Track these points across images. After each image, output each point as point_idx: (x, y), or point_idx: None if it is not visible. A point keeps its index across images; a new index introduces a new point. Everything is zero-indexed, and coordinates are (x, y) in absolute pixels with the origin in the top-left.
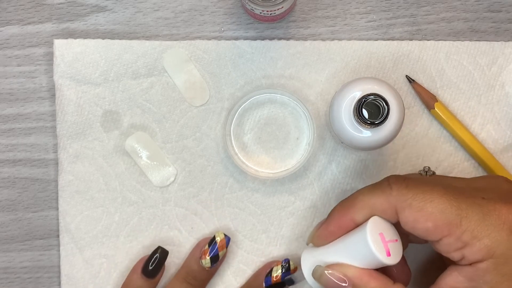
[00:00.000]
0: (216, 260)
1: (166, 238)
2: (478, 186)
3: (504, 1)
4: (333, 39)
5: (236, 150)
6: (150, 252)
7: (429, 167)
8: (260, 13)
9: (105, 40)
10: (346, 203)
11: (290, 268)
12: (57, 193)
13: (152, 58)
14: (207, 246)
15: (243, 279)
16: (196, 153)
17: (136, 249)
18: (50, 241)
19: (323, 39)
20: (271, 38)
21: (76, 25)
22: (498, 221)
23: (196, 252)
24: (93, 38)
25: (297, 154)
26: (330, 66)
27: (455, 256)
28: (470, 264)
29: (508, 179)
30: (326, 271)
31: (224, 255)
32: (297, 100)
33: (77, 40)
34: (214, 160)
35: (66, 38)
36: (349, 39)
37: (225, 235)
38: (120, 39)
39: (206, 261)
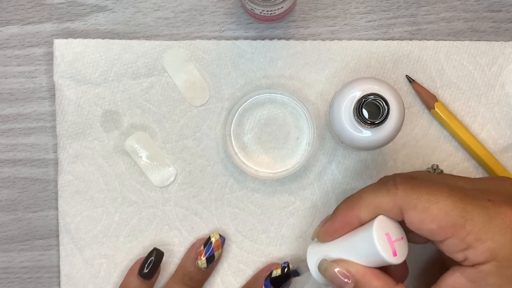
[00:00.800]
0: (211, 260)
1: (166, 238)
2: (484, 188)
3: (504, 1)
4: (333, 39)
5: (236, 150)
6: (147, 253)
7: (437, 165)
8: (260, 13)
9: (105, 40)
10: (351, 201)
11: (289, 270)
12: (57, 193)
13: (152, 58)
14: (202, 247)
15: (243, 279)
16: (196, 153)
17: (136, 249)
18: (50, 241)
19: (323, 39)
20: (271, 38)
21: (76, 25)
22: (503, 225)
23: (192, 253)
24: (93, 38)
25: (297, 154)
26: (330, 66)
27: (458, 257)
28: (473, 266)
29: None
30: (331, 266)
31: (220, 256)
32: (297, 100)
33: (77, 40)
34: (214, 160)
35: (66, 38)
36: (349, 39)
37: (220, 236)
38: (120, 39)
39: (202, 261)
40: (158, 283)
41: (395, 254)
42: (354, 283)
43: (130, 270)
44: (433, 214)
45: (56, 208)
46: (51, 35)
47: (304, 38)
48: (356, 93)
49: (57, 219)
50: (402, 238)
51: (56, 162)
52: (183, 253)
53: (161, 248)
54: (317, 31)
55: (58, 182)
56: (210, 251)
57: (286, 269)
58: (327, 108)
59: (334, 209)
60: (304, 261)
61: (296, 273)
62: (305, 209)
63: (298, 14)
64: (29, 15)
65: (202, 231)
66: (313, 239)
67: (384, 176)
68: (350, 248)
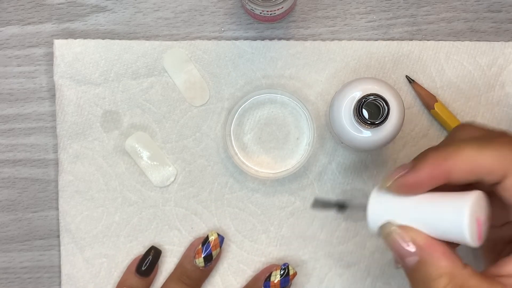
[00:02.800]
0: (210, 259)
1: (166, 238)
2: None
3: (504, 1)
4: (333, 39)
5: (236, 150)
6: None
7: None
8: (260, 13)
9: (105, 40)
10: (444, 151)
11: (289, 273)
12: (57, 193)
13: (152, 58)
14: (200, 246)
15: (243, 279)
16: (196, 153)
17: (136, 249)
18: (50, 241)
19: (323, 39)
20: (271, 38)
21: (76, 25)
22: None
23: (190, 252)
24: (93, 39)
25: (297, 154)
26: (330, 66)
27: None
28: None
29: None
30: (397, 233)
31: (219, 255)
32: (297, 100)
33: (77, 40)
34: (214, 160)
35: (66, 38)
36: (349, 39)
37: (219, 235)
38: (120, 39)
39: (200, 260)
40: (157, 281)
41: (480, 238)
42: (420, 257)
43: (128, 268)
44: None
45: (56, 208)
46: (51, 36)
47: (304, 38)
48: (356, 93)
49: (57, 219)
50: (488, 222)
51: (56, 163)
52: (183, 252)
53: (161, 248)
54: (317, 31)
55: (58, 182)
56: (208, 250)
57: (283, 273)
58: (327, 108)
59: (415, 156)
60: (360, 203)
61: (343, 206)
62: (305, 209)
63: (298, 14)
64: (29, 15)
65: (202, 231)
66: (382, 188)
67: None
68: (428, 217)
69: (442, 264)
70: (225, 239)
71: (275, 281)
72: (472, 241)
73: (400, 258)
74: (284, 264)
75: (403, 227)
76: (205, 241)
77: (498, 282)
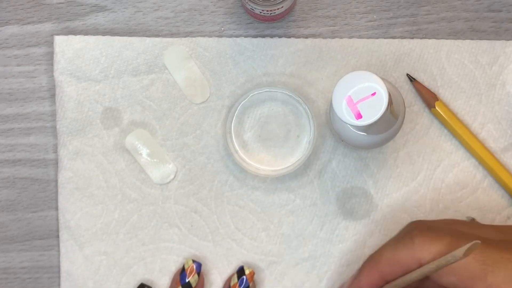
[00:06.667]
0: (189, 287)
1: (166, 235)
2: (507, 239)
3: (504, 1)
4: (333, 38)
5: (237, 147)
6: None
7: (473, 218)
8: (260, 12)
9: (105, 36)
10: (373, 259)
11: (244, 273)
12: (56, 193)
13: (152, 55)
14: (178, 276)
15: None
16: (196, 151)
17: (135, 246)
18: (50, 241)
19: (323, 38)
20: (271, 37)
21: (75, 24)
22: None
23: (172, 284)
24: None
25: (298, 152)
26: (331, 64)
27: None
28: None
29: None
30: None
31: (199, 282)
32: (298, 98)
33: (78, 36)
34: (214, 158)
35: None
36: (350, 38)
37: (194, 261)
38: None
39: None
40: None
41: None
42: None
43: None
44: (452, 267)
45: (56, 208)
46: (51, 35)
47: (305, 37)
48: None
49: (57, 219)
50: None
51: (55, 162)
52: (182, 250)
53: (161, 246)
54: (317, 31)
55: (58, 179)
56: (184, 279)
57: (238, 275)
58: (328, 106)
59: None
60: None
61: None
62: (305, 207)
63: (298, 14)
64: (28, 14)
65: (201, 229)
66: None
67: (404, 227)
68: None
69: None
70: (224, 238)
71: (231, 284)
72: None
73: None
74: (239, 267)
75: None
76: (182, 270)
77: None
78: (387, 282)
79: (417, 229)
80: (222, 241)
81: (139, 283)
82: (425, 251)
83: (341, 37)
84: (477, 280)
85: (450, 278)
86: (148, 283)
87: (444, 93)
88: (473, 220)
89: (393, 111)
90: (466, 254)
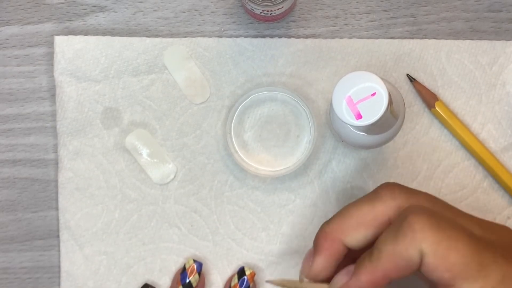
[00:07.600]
0: (190, 287)
1: (166, 235)
2: (496, 239)
3: (504, 1)
4: (333, 38)
5: (237, 148)
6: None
7: None
8: (260, 13)
9: (105, 37)
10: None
11: (245, 273)
12: (56, 193)
13: (152, 55)
14: (179, 276)
15: None
16: (196, 151)
17: (135, 246)
18: (50, 241)
19: (323, 39)
20: (271, 37)
21: (75, 25)
22: None
23: (173, 283)
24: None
25: (298, 152)
26: (331, 65)
27: None
28: None
29: None
30: None
31: (200, 281)
32: (298, 98)
33: (78, 36)
34: (214, 158)
35: (67, 35)
36: (350, 39)
37: (195, 261)
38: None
39: None
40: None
41: None
42: None
43: None
44: (450, 263)
45: (56, 209)
46: (51, 35)
47: (305, 37)
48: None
49: (57, 219)
50: None
51: (56, 162)
52: (182, 250)
53: (161, 246)
54: (317, 31)
55: (58, 179)
56: (186, 278)
57: (238, 276)
58: (328, 106)
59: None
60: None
61: None
62: (305, 207)
63: (298, 14)
64: (28, 15)
65: (201, 229)
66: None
67: (377, 188)
68: None
69: None
70: (224, 238)
71: (232, 285)
72: None
73: None
74: (240, 268)
75: None
76: (183, 269)
77: None
78: (391, 281)
79: (413, 214)
80: (222, 241)
81: (142, 283)
82: (428, 240)
83: (341, 37)
84: (471, 280)
85: (443, 274)
86: (148, 283)
87: (444, 93)
88: None
89: (393, 111)
90: None
